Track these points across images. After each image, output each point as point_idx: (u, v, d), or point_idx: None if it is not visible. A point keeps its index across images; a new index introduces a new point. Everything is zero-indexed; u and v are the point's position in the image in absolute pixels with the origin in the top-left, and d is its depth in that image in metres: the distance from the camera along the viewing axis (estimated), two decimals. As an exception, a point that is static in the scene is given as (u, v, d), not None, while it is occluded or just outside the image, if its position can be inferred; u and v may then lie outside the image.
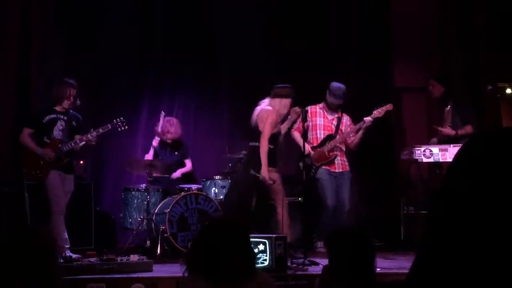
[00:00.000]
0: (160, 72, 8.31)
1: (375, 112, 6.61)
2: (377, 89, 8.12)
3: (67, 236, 5.94)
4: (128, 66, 8.10)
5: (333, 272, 2.70)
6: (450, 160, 1.44)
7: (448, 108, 6.58)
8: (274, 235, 5.13)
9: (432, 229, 1.16)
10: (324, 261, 2.84)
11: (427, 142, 6.72)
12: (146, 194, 6.77)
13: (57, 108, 6.10)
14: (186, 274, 2.45)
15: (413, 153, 6.12)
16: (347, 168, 6.85)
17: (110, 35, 8.02)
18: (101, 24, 8.07)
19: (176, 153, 7.43)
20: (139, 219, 6.77)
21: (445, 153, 6.04)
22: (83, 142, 6.08)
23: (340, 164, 6.82)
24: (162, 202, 6.73)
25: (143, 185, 6.99)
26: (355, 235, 2.73)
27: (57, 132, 6.07)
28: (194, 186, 7.06)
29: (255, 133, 6.07)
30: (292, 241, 5.95)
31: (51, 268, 2.25)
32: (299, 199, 6.79)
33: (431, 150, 6.10)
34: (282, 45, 8.05)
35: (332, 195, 6.72)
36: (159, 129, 7.25)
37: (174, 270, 5.07)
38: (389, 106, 6.67)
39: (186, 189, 6.90)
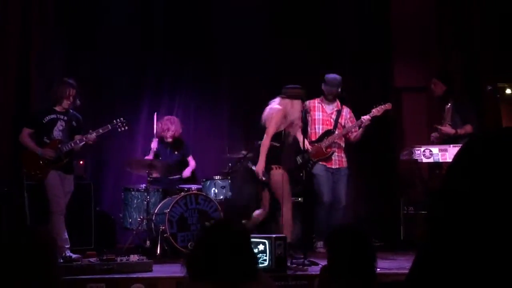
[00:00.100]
0: (160, 72, 8.31)
1: (373, 110, 6.62)
2: (377, 89, 8.12)
3: (67, 236, 5.94)
4: (128, 66, 8.10)
5: (333, 272, 2.70)
6: (450, 160, 1.44)
7: (448, 106, 6.58)
8: (274, 235, 5.13)
9: (432, 229, 1.16)
10: (324, 262, 2.84)
11: (427, 142, 6.71)
12: (146, 194, 6.77)
13: (57, 108, 6.09)
14: (186, 275, 2.45)
15: (413, 153, 6.12)
16: (344, 164, 6.85)
17: (110, 35, 8.02)
18: (101, 24, 8.07)
19: (176, 152, 7.43)
20: (139, 219, 6.77)
21: (445, 153, 6.05)
22: (83, 142, 6.08)
23: (337, 160, 6.82)
24: (162, 202, 6.74)
25: (143, 185, 7.00)
26: (355, 234, 2.73)
27: (57, 132, 6.06)
28: (194, 186, 7.06)
29: (264, 132, 6.07)
30: (292, 241, 5.95)
31: (51, 268, 2.25)
32: (299, 199, 6.79)
33: (431, 150, 6.10)
34: (282, 45, 8.05)
35: (328, 191, 6.74)
36: (156, 129, 7.25)
37: (174, 270, 5.07)
38: (388, 106, 6.67)
39: (186, 189, 6.90)
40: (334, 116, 6.89)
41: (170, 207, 6.43)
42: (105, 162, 8.02)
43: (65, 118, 6.10)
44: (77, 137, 6.09)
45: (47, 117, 6.06)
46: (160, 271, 5.31)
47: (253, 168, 5.98)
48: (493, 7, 7.53)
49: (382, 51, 8.16)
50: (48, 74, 7.32)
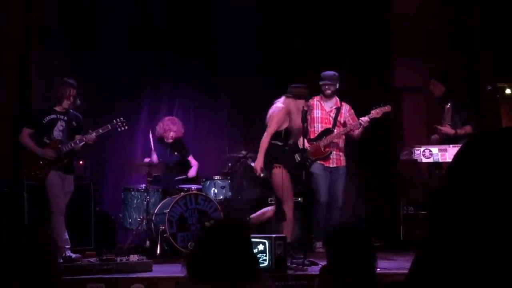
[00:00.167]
0: (160, 72, 8.32)
1: (373, 112, 6.61)
2: (377, 89, 8.12)
3: (67, 237, 5.92)
4: (128, 66, 8.10)
5: (332, 272, 2.70)
6: (450, 160, 1.44)
7: (448, 107, 6.57)
8: (273, 235, 5.13)
9: (432, 229, 1.16)
10: (324, 262, 2.83)
11: (427, 142, 6.71)
12: (145, 194, 6.77)
13: (57, 108, 6.09)
14: (186, 275, 2.45)
15: (412, 153, 6.12)
16: (343, 163, 6.85)
17: (110, 35, 8.02)
18: (101, 24, 8.06)
19: (176, 153, 7.43)
20: (138, 219, 6.76)
21: (445, 153, 6.05)
22: (83, 142, 6.07)
23: (335, 159, 6.83)
24: (162, 202, 6.73)
25: (143, 185, 6.99)
26: (354, 234, 2.72)
27: (57, 132, 6.06)
28: (193, 186, 7.06)
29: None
30: (292, 241, 5.95)
31: (51, 268, 2.25)
32: (299, 199, 6.79)
33: (430, 150, 6.10)
34: (282, 45, 8.05)
35: (325, 191, 6.75)
36: (157, 130, 7.27)
37: (174, 270, 5.08)
38: (387, 108, 6.65)
39: (185, 189, 6.90)
40: (333, 114, 6.88)
41: (170, 207, 6.43)
42: (105, 162, 8.01)
43: (65, 118, 6.10)
44: (77, 137, 6.08)
45: (47, 117, 6.05)
46: (160, 271, 5.31)
47: (252, 164, 6.00)
48: (493, 7, 7.53)
49: (382, 51, 8.15)
50: (48, 74, 7.31)
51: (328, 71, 6.93)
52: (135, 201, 7.01)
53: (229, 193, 7.03)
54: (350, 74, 7.97)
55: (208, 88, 8.35)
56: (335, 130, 6.81)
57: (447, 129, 6.47)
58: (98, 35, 8.04)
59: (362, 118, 6.61)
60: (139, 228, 6.66)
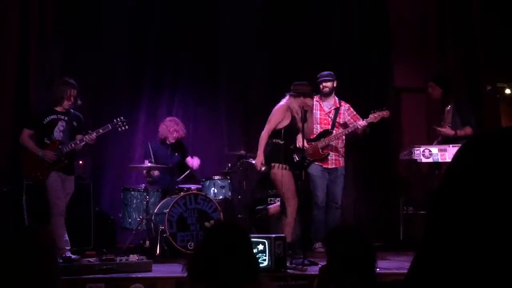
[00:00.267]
0: (160, 72, 8.31)
1: (371, 116, 6.57)
2: (376, 90, 8.13)
3: (67, 238, 5.90)
4: (128, 66, 8.10)
5: (332, 272, 2.70)
6: (449, 160, 1.44)
7: (448, 108, 6.57)
8: (273, 235, 5.13)
9: (432, 229, 1.16)
10: (324, 262, 2.84)
11: (426, 142, 6.71)
12: (145, 194, 6.77)
13: (58, 109, 6.07)
14: (186, 275, 2.45)
15: (412, 153, 6.12)
16: (341, 164, 6.85)
17: (110, 35, 8.01)
18: (101, 24, 8.06)
19: (176, 154, 7.42)
20: (138, 219, 6.76)
21: (444, 153, 6.05)
22: (83, 143, 6.05)
23: (334, 160, 6.82)
24: (162, 202, 6.73)
25: (142, 185, 6.99)
26: (354, 234, 2.73)
27: (57, 133, 6.04)
28: (193, 186, 7.05)
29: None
30: (293, 241, 5.95)
31: (51, 268, 2.25)
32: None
33: (430, 150, 6.10)
34: (281, 45, 8.06)
35: (323, 193, 6.75)
36: (159, 131, 7.25)
37: (173, 270, 5.09)
38: (385, 113, 6.60)
39: (185, 189, 6.90)
40: (332, 115, 6.88)
41: (169, 207, 6.43)
42: (105, 162, 8.01)
43: (66, 118, 6.08)
44: (78, 137, 6.06)
45: (47, 118, 6.03)
46: (160, 271, 5.31)
47: (253, 162, 6.01)
48: (493, 7, 7.53)
49: (382, 51, 8.16)
50: (48, 74, 7.31)
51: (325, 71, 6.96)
52: (134, 201, 7.01)
53: (229, 193, 7.03)
54: (350, 74, 7.97)
55: (208, 88, 8.34)
56: (334, 132, 6.81)
57: (446, 130, 6.47)
58: (97, 35, 8.04)
59: (360, 122, 6.60)
60: (139, 228, 6.66)
